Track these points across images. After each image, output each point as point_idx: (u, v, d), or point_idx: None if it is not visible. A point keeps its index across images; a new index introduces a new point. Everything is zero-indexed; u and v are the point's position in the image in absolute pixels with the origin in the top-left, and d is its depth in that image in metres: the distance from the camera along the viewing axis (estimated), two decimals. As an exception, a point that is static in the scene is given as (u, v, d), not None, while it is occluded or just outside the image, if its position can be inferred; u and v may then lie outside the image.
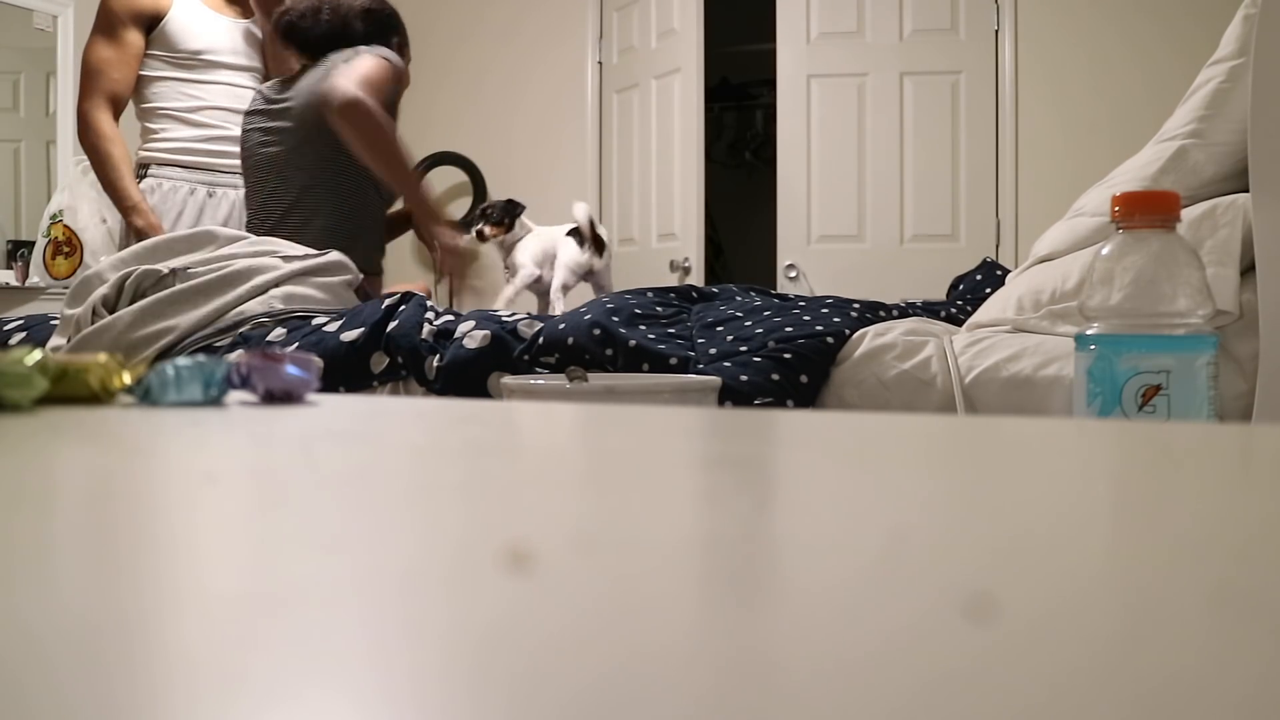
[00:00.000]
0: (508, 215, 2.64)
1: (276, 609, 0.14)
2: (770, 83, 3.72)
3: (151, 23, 2.13)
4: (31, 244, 3.78)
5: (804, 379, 1.14)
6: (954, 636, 0.13)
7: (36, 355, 0.45)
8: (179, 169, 2.21)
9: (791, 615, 0.14)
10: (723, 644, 0.13)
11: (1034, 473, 0.29)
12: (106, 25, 2.09)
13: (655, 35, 3.65)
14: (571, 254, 2.63)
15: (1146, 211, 0.79)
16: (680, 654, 0.12)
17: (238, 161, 2.19)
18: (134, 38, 2.11)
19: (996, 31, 3.45)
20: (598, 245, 2.74)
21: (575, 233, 2.72)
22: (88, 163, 2.22)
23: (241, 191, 2.16)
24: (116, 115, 2.15)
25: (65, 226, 2.81)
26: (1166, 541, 0.19)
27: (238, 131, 2.18)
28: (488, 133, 4.20)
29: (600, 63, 3.96)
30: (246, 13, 2.25)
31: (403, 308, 1.31)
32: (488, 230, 2.63)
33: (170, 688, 0.11)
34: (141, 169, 2.20)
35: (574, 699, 0.11)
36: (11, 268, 3.82)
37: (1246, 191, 1.02)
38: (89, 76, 2.10)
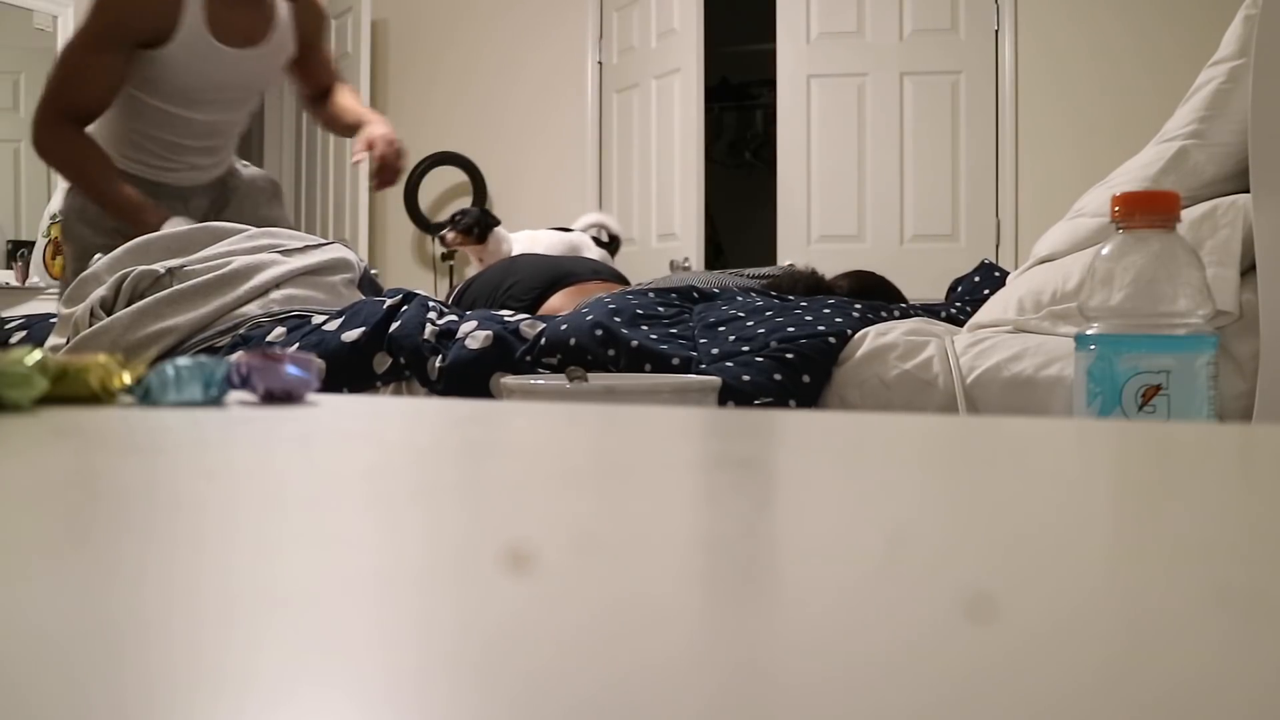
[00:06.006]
0: (478, 226, 2.60)
1: (277, 609, 0.14)
2: (770, 83, 3.72)
3: (148, 44, 1.73)
4: (31, 244, 3.79)
5: (806, 379, 1.14)
6: (956, 638, 0.13)
7: (36, 355, 0.45)
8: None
9: (793, 616, 0.14)
10: (724, 644, 0.13)
11: (1035, 473, 0.29)
12: (104, 34, 1.71)
13: (655, 35, 3.65)
14: (602, 257, 2.62)
15: (1147, 212, 0.79)
16: (682, 655, 0.12)
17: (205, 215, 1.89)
18: (124, 58, 1.73)
19: (996, 31, 3.45)
20: (614, 247, 2.75)
21: (598, 239, 2.71)
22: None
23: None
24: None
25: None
26: (1167, 542, 0.19)
27: (211, 175, 1.92)
28: (487, 133, 4.20)
29: (600, 63, 3.96)
30: (255, 37, 1.81)
31: (405, 308, 1.31)
32: (450, 236, 2.60)
33: (171, 687, 0.11)
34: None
35: (574, 700, 0.11)
36: (11, 268, 3.83)
37: (1247, 192, 1.02)
38: (68, 81, 1.73)
